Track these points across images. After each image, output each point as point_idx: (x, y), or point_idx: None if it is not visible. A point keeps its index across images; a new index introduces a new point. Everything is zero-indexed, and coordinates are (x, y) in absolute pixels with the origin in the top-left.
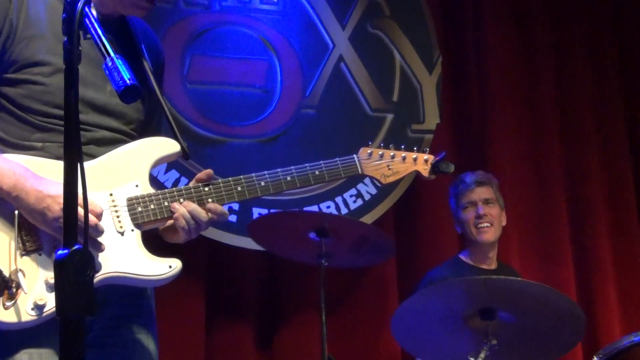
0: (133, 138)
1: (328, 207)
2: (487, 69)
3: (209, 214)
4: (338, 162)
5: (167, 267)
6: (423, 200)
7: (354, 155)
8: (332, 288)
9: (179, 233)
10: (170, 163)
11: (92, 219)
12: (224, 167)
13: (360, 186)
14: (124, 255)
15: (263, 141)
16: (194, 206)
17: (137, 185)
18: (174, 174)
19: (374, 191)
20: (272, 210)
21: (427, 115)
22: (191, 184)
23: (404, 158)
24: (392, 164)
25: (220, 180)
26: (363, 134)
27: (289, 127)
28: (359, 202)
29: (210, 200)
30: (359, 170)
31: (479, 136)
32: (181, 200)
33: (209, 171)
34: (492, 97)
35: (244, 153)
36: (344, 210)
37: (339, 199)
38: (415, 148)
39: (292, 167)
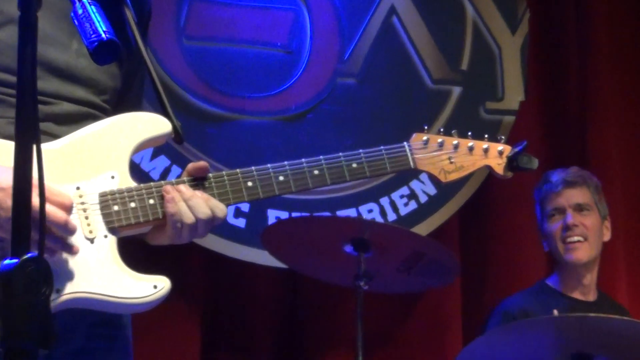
0: (107, 113)
1: (370, 211)
2: (591, 28)
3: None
4: (383, 151)
5: (150, 287)
6: (498, 205)
7: (405, 143)
8: (373, 319)
9: (165, 231)
10: (159, 147)
11: (59, 214)
12: (231, 154)
13: (414, 184)
14: (94, 270)
15: (285, 119)
16: (192, 193)
17: (113, 177)
18: (162, 162)
19: (432, 191)
20: (293, 214)
21: (508, 91)
22: (185, 177)
23: (471, 148)
24: (456, 157)
25: (224, 173)
26: (419, 113)
27: (319, 102)
28: (412, 205)
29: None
30: (411, 164)
31: (577, 121)
32: None
33: (203, 164)
34: (598, 69)
35: (258, 135)
36: (391, 216)
37: (384, 201)
38: (486, 135)
39: (321, 157)
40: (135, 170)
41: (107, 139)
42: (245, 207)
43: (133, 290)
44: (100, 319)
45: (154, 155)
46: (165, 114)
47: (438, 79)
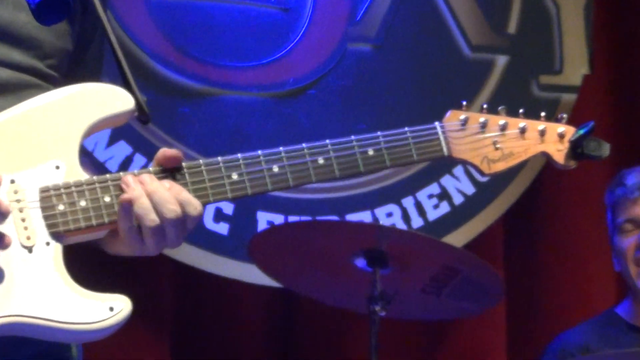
0: (54, 83)
1: (389, 215)
2: None
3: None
4: (408, 134)
5: (106, 309)
6: (557, 208)
7: (437, 123)
8: (391, 354)
9: (120, 236)
10: (118, 130)
11: None
12: (209, 140)
13: (446, 180)
14: (31, 287)
15: (279, 96)
16: (156, 185)
17: (57, 167)
18: (122, 149)
19: (470, 189)
20: (290, 218)
21: (567, 61)
22: (152, 168)
23: (523, 130)
24: (503, 141)
25: (202, 162)
26: (453, 90)
27: (324, 74)
28: (444, 207)
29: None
30: (444, 151)
31: None
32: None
33: (175, 152)
34: None
35: (245, 116)
36: (416, 222)
37: (408, 202)
38: (542, 114)
39: (327, 141)
40: (87, 160)
41: (52, 118)
42: (228, 207)
43: (83, 313)
44: (39, 351)
45: (112, 141)
46: (126, 86)
47: (478, 45)
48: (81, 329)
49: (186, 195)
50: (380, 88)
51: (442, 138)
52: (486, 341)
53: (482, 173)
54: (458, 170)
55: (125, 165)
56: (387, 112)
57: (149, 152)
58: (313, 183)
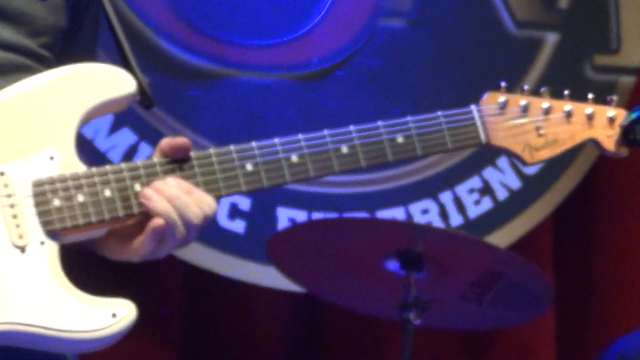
0: (46, 64)
1: (425, 211)
2: None
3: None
4: (441, 119)
5: (108, 316)
6: (612, 205)
7: (473, 107)
8: None
9: (134, 242)
10: (122, 116)
11: None
12: (223, 127)
13: (489, 173)
14: (24, 291)
15: (302, 78)
16: (174, 191)
17: (52, 158)
18: (126, 137)
19: (516, 183)
20: (314, 215)
21: (626, 40)
22: (156, 158)
23: (569, 114)
24: (547, 126)
25: (212, 152)
26: (497, 71)
27: (352, 53)
28: (487, 203)
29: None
30: (481, 137)
31: None
32: (136, 185)
33: (182, 141)
34: None
35: (263, 100)
36: (455, 220)
37: (446, 197)
38: (590, 96)
39: (351, 127)
40: (87, 149)
41: (45, 103)
42: (244, 203)
43: (82, 320)
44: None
45: (115, 128)
46: (126, 66)
47: (525, 21)
48: (80, 337)
49: (199, 194)
50: (414, 69)
51: (479, 123)
52: (532, 352)
53: (523, 162)
54: (502, 161)
55: (129, 156)
56: (423, 96)
57: (156, 140)
58: (336, 174)
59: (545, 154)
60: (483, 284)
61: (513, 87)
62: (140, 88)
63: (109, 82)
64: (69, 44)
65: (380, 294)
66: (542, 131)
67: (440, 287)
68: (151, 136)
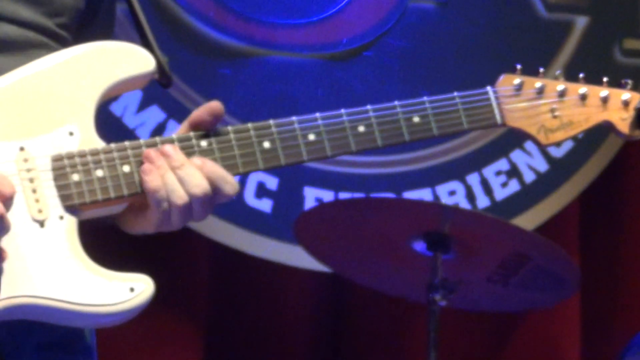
0: (63, 43)
1: (452, 193)
2: None
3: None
4: (457, 100)
5: (125, 290)
6: None
7: (488, 88)
8: (453, 348)
9: (147, 213)
10: (150, 93)
11: None
12: (252, 106)
13: (516, 155)
14: (43, 265)
15: (331, 58)
16: (183, 159)
17: (71, 133)
18: (155, 115)
19: (543, 166)
20: (341, 195)
21: None
22: (175, 135)
23: (583, 97)
24: (562, 108)
25: (230, 129)
26: (528, 52)
27: (382, 34)
28: (514, 186)
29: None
30: (497, 118)
31: None
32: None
33: (215, 105)
34: None
35: (293, 79)
36: (482, 201)
37: (473, 179)
38: (605, 79)
39: (368, 106)
40: (114, 127)
41: (64, 79)
42: (272, 182)
43: (100, 294)
44: (51, 340)
45: (143, 106)
46: (145, 44)
47: (555, 4)
48: (98, 311)
49: (221, 173)
50: (444, 51)
51: (494, 104)
52: (557, 335)
53: (538, 144)
54: (530, 144)
55: (157, 133)
56: (451, 78)
57: (184, 118)
58: (353, 153)
59: (560, 135)
60: (509, 266)
61: (544, 71)
62: (159, 66)
63: (127, 59)
64: (86, 25)
65: (406, 275)
66: (557, 113)
67: (467, 268)
68: (179, 114)
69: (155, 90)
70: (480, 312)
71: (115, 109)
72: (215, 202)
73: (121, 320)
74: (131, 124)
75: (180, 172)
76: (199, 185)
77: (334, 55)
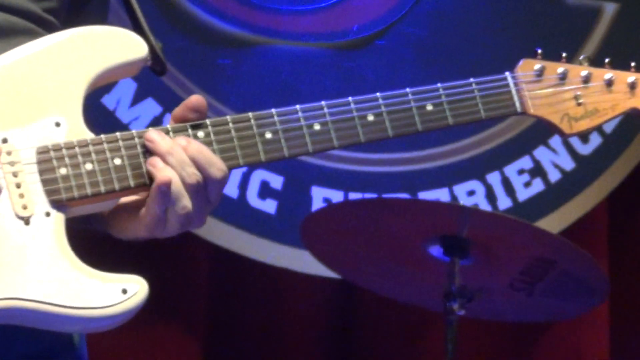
0: (50, 29)
1: (471, 193)
2: None
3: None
4: (474, 86)
5: (117, 292)
6: None
7: (507, 73)
8: None
9: (140, 216)
10: (145, 86)
11: None
12: (254, 98)
13: (541, 152)
14: (28, 265)
15: (341, 47)
16: (169, 143)
17: (58, 124)
18: (150, 107)
19: (569, 164)
20: (351, 195)
21: None
22: (169, 126)
23: (609, 82)
24: (586, 94)
25: (229, 118)
26: (554, 40)
27: (395, 21)
28: (538, 185)
29: None
30: (517, 106)
31: None
32: (148, 153)
33: (195, 100)
34: None
35: (300, 69)
36: (503, 202)
37: (493, 178)
38: (633, 64)
39: (377, 94)
40: (107, 121)
41: (51, 67)
42: (276, 181)
43: (90, 296)
44: (36, 350)
45: (138, 98)
46: (137, 29)
47: None
48: (88, 314)
49: (207, 154)
50: (462, 39)
51: (514, 91)
52: (584, 347)
53: (562, 134)
54: (555, 140)
55: (153, 126)
56: (472, 69)
57: None
58: (362, 143)
59: (585, 124)
60: (533, 272)
61: (570, 59)
62: (152, 52)
63: (118, 45)
64: (76, 10)
65: (421, 282)
66: (581, 100)
67: (487, 275)
68: (176, 107)
69: (150, 82)
70: (501, 322)
71: (108, 102)
72: (209, 198)
73: (113, 324)
74: (125, 118)
75: (170, 159)
76: (192, 174)
77: (344, 44)
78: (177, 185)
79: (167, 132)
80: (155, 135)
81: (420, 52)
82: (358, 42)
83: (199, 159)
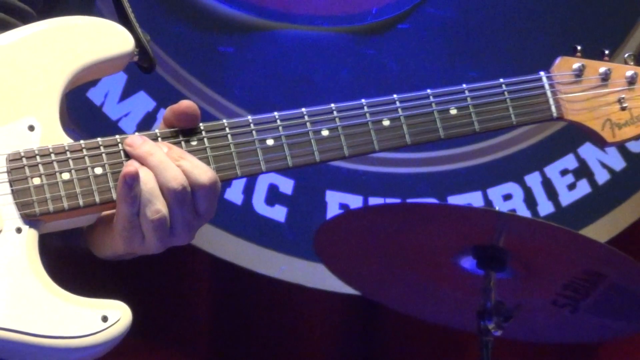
0: (26, 21)
1: (507, 197)
2: None
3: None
4: (504, 88)
5: (97, 319)
6: None
7: (542, 73)
8: None
9: (113, 225)
10: (136, 78)
11: None
12: (265, 89)
13: (586, 150)
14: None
15: (359, 31)
16: (150, 148)
17: (31, 127)
18: (142, 102)
19: (619, 163)
20: (371, 200)
21: None
22: (158, 131)
23: None
24: (632, 97)
25: (226, 123)
26: (597, 32)
27: (419, 3)
28: (583, 188)
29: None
30: (552, 110)
31: None
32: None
33: (187, 105)
34: None
35: (312, 58)
36: (544, 208)
37: (533, 179)
38: None
39: (394, 96)
40: (93, 118)
41: (24, 62)
42: (286, 185)
43: (66, 324)
44: None
45: (128, 92)
46: (123, 21)
47: None
48: (64, 345)
49: (193, 159)
50: (497, 23)
51: (549, 93)
52: None
53: (603, 142)
54: None
55: (145, 124)
56: (508, 57)
57: None
58: (376, 152)
59: (630, 131)
60: (578, 287)
61: (613, 54)
62: (140, 46)
63: (101, 38)
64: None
65: (452, 299)
66: (626, 104)
67: (526, 290)
68: (172, 102)
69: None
70: (542, 344)
71: (94, 96)
72: (197, 210)
73: (93, 355)
74: (114, 114)
75: (149, 162)
76: (208, 174)
77: (362, 29)
78: (148, 185)
79: (155, 138)
80: (136, 140)
81: (448, 37)
82: (378, 27)
83: (183, 164)
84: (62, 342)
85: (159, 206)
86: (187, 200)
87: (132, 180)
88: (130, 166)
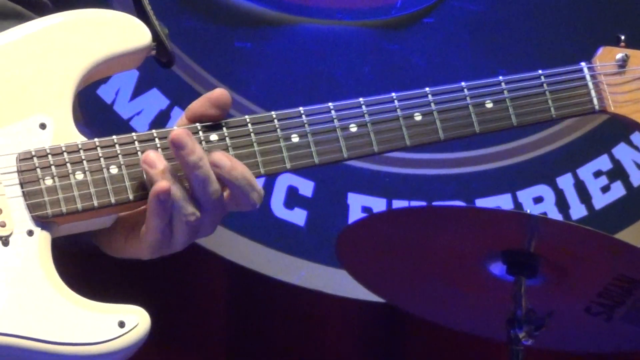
0: (40, 11)
1: (538, 199)
2: None
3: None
4: (542, 79)
5: (114, 325)
6: None
7: (583, 64)
8: None
9: (141, 234)
10: (149, 75)
11: None
12: (283, 86)
13: (621, 150)
14: (8, 294)
15: (383, 25)
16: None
17: (43, 126)
18: (155, 100)
19: None
20: (395, 203)
21: None
22: (177, 124)
23: None
24: None
25: (248, 118)
26: (633, 23)
27: None
28: (617, 190)
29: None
30: (594, 103)
31: None
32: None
33: (219, 95)
34: None
35: (333, 53)
36: (577, 211)
37: (565, 181)
38: None
39: (427, 89)
40: (103, 117)
41: (36, 58)
42: (306, 187)
43: (82, 330)
44: None
45: (140, 90)
46: (141, 15)
47: None
48: (80, 352)
49: (249, 176)
50: (527, 16)
51: (591, 85)
52: None
53: None
54: (638, 136)
55: (158, 123)
56: (538, 51)
57: None
58: (407, 148)
59: None
60: (613, 294)
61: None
62: (157, 40)
63: (117, 31)
64: None
65: (480, 306)
66: None
67: (558, 297)
68: (187, 99)
69: (155, 70)
70: (575, 353)
71: (105, 93)
72: (226, 213)
73: None
74: (125, 113)
75: (198, 172)
76: (244, 175)
77: (385, 23)
78: (179, 195)
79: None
80: (186, 140)
81: (476, 31)
82: (402, 21)
83: (237, 181)
84: (78, 349)
85: (192, 209)
86: (219, 206)
87: (166, 197)
88: (162, 182)
